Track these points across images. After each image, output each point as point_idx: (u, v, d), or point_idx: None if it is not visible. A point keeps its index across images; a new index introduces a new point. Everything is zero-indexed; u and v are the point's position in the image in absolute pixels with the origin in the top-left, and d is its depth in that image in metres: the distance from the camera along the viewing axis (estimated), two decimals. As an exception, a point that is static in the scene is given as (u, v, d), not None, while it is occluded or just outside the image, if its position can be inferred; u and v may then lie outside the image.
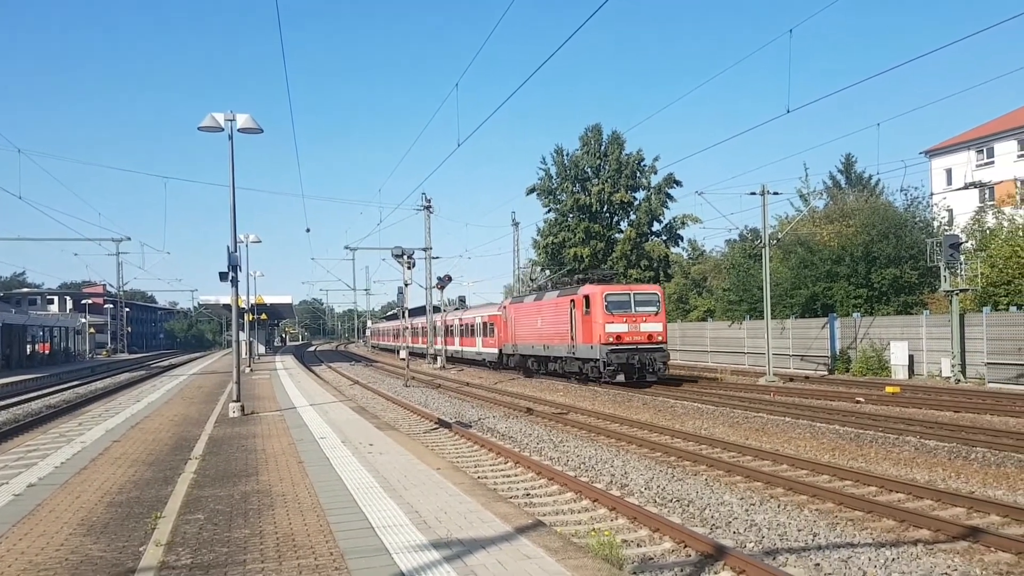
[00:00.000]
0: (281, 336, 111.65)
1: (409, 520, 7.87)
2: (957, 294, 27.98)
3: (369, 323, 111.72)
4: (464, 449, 15.81)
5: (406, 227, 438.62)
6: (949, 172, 54.32)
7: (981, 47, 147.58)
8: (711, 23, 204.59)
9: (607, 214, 54.79)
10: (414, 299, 46.69)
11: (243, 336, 37.71)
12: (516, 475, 12.88)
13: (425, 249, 48.30)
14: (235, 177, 19.22)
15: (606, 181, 53.92)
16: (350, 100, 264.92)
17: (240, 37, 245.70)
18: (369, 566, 6.32)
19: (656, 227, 55.30)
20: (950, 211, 43.18)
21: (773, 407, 21.13)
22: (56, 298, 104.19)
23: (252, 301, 43.14)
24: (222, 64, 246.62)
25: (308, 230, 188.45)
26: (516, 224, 57.84)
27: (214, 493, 9.51)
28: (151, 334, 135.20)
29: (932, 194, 49.93)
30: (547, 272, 56.15)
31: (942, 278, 28.44)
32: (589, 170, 55.27)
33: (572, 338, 30.95)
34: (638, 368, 28.08)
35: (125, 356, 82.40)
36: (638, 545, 8.52)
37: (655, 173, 54.53)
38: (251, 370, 39.52)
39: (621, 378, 28.03)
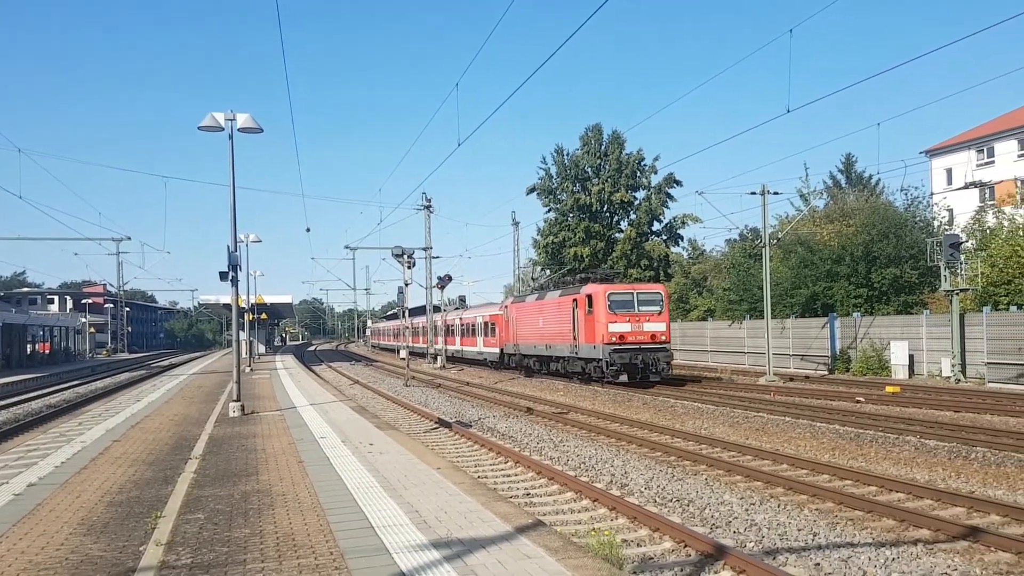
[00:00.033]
0: (281, 336, 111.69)
1: (409, 520, 7.87)
2: (957, 294, 27.98)
3: (369, 323, 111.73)
4: (464, 449, 15.81)
5: (406, 227, 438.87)
6: (949, 172, 54.32)
7: (981, 47, 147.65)
8: (711, 23, 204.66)
9: (607, 214, 54.81)
10: (414, 299, 46.70)
11: (243, 336, 37.71)
12: (516, 475, 12.88)
13: (425, 249, 48.31)
14: (235, 177, 19.25)
15: (606, 181, 53.94)
16: (350, 100, 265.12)
17: (240, 37, 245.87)
18: (369, 566, 6.32)
19: (656, 227, 55.36)
20: (950, 211, 43.19)
21: (773, 407, 21.13)
22: (56, 298, 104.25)
23: (252, 301, 43.13)
24: (222, 64, 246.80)
25: (308, 230, 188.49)
26: (516, 224, 57.88)
27: (214, 493, 9.51)
28: (151, 334, 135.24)
29: (932, 194, 49.96)
30: (547, 272, 56.17)
31: (942, 278, 28.44)
32: (589, 170, 55.29)
33: (575, 338, 30.83)
34: (641, 368, 27.90)
35: (125, 356, 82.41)
36: (638, 545, 8.52)
37: (655, 173, 54.62)
38: (251, 370, 39.52)
39: (624, 378, 27.87)
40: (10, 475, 11.12)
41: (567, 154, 55.90)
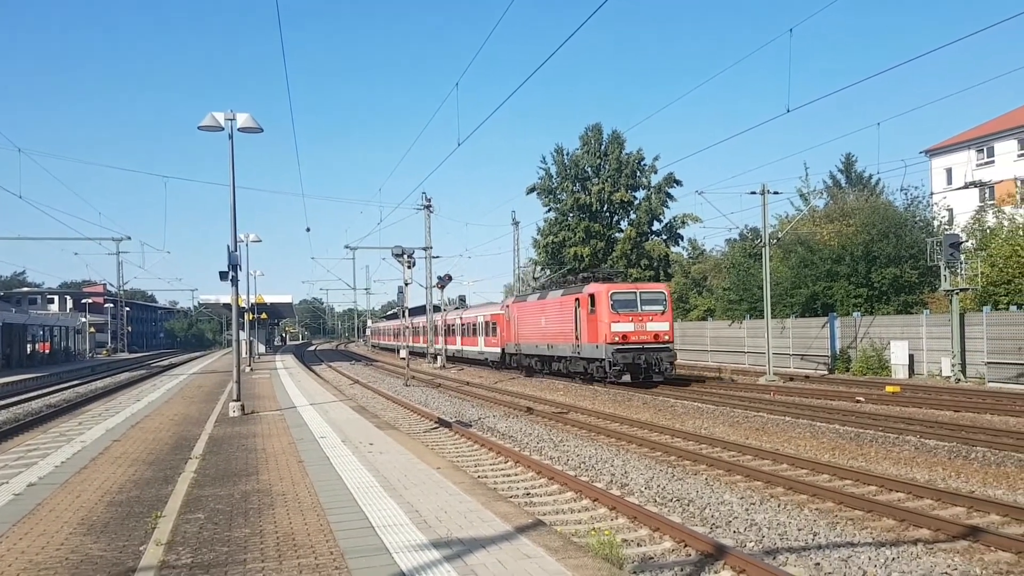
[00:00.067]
0: (281, 335, 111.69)
1: (409, 519, 7.87)
2: (957, 293, 27.98)
3: (369, 322, 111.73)
4: (464, 448, 15.81)
5: (406, 226, 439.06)
6: (949, 171, 54.31)
7: (981, 47, 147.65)
8: (711, 23, 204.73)
9: (607, 213, 54.79)
10: (414, 298, 46.77)
11: (243, 335, 37.70)
12: (516, 474, 12.88)
13: (425, 248, 48.31)
14: (235, 176, 19.25)
15: (606, 180, 53.91)
16: (350, 100, 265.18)
17: (240, 37, 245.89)
18: (369, 565, 6.32)
19: (656, 226, 55.31)
20: (950, 210, 43.20)
21: (773, 406, 21.13)
22: (56, 297, 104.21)
23: (252, 300, 43.13)
24: (222, 64, 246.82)
25: (308, 229, 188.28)
26: (516, 223, 57.91)
27: (214, 492, 9.51)
28: (151, 333, 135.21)
29: (932, 193, 49.95)
30: (547, 271, 56.14)
31: (942, 277, 28.44)
32: (589, 169, 55.26)
33: (577, 337, 30.70)
34: (644, 368, 27.71)
35: (125, 355, 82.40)
36: (638, 544, 8.52)
37: (655, 172, 54.57)
38: (251, 369, 39.52)
39: (627, 378, 27.68)
40: (10, 475, 11.12)
41: (567, 154, 55.89)
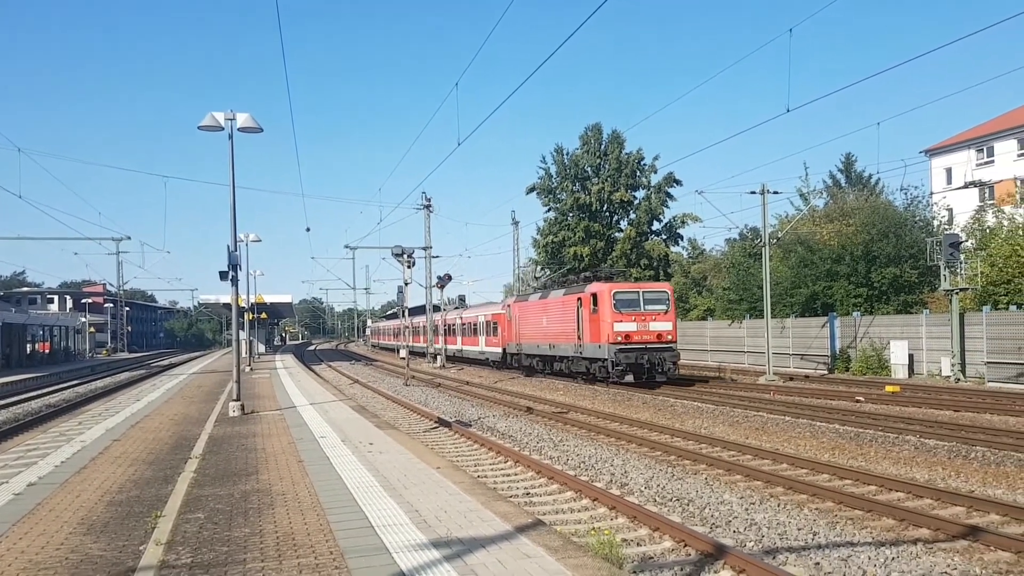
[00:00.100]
0: (281, 335, 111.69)
1: (409, 519, 7.87)
2: (957, 293, 27.99)
3: (369, 322, 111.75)
4: (464, 448, 15.81)
5: (406, 226, 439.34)
6: (949, 171, 54.31)
7: (980, 47, 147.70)
8: (711, 23, 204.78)
9: (607, 213, 54.75)
10: (414, 298, 46.73)
11: (243, 335, 37.70)
12: (516, 474, 12.88)
13: (425, 248, 48.31)
14: (235, 176, 19.25)
15: (606, 180, 53.89)
16: (350, 100, 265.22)
17: (240, 37, 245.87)
18: (369, 565, 6.32)
19: (656, 226, 55.24)
20: (950, 210, 43.21)
21: (773, 406, 21.13)
22: (56, 297, 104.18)
23: (252, 300, 43.13)
24: (222, 64, 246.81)
25: (308, 229, 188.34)
26: (516, 223, 57.90)
27: (214, 492, 9.51)
28: (151, 333, 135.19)
29: (932, 193, 49.94)
30: (547, 271, 56.11)
31: (942, 277, 28.45)
32: (589, 169, 55.23)
33: (579, 337, 30.56)
34: (647, 368, 27.54)
35: (125, 355, 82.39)
36: (638, 544, 8.52)
37: (655, 172, 54.51)
38: (251, 369, 39.52)
39: (630, 378, 27.51)
40: (10, 475, 11.12)
41: (567, 153, 55.85)
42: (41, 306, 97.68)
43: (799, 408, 20.79)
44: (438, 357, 49.76)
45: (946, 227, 38.40)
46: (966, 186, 36.89)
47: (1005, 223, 34.24)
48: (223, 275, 20.02)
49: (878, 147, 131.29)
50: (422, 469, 10.80)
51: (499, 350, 41.81)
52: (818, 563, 7.79)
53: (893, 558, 7.88)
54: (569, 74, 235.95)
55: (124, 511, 8.91)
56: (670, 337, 28.47)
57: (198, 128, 17.67)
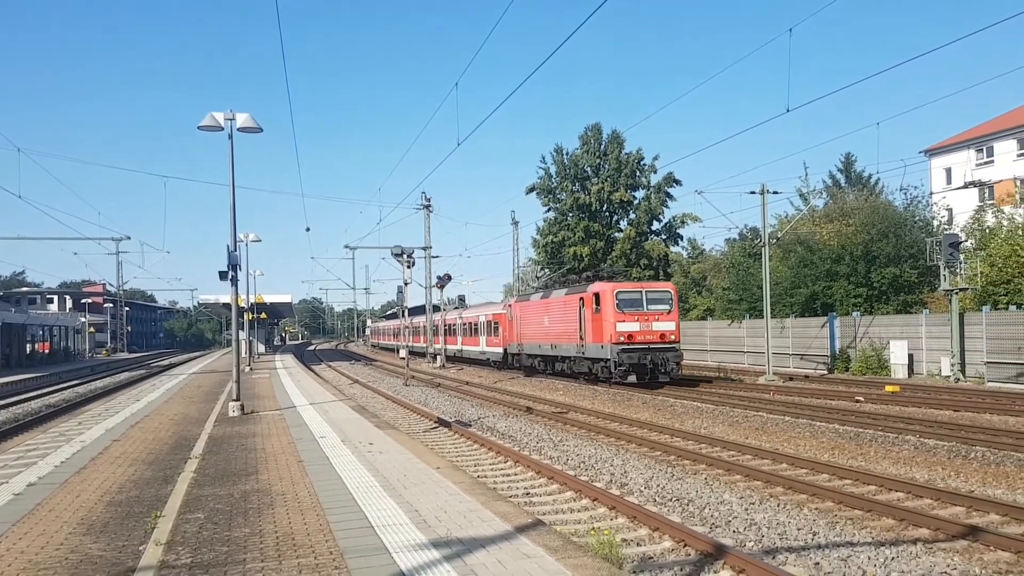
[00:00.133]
0: (281, 335, 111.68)
1: (409, 519, 7.87)
2: (957, 293, 28.00)
3: (369, 322, 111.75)
4: (464, 448, 15.81)
5: (406, 226, 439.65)
6: (949, 171, 54.32)
7: (980, 47, 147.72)
8: (710, 23, 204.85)
9: (607, 213, 54.76)
10: (414, 298, 46.73)
11: (243, 335, 37.71)
12: (516, 474, 12.88)
13: (425, 248, 48.31)
14: (235, 176, 19.24)
15: (605, 180, 53.89)
16: (350, 100, 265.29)
17: (240, 37, 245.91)
18: (369, 565, 6.32)
19: (656, 226, 55.26)
20: (950, 210, 43.22)
21: (773, 406, 21.13)
22: (56, 297, 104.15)
23: (252, 300, 43.12)
24: (222, 64, 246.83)
25: (308, 229, 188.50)
26: (516, 223, 57.85)
27: (214, 492, 9.51)
28: (151, 333, 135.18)
29: (932, 193, 49.97)
30: (547, 271, 56.11)
31: (942, 277, 28.45)
32: (589, 169, 55.23)
33: (581, 337, 30.42)
34: (650, 368, 27.42)
35: (125, 355, 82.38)
36: (638, 544, 8.52)
37: (655, 172, 54.52)
38: (251, 369, 39.52)
39: (633, 379, 27.39)
40: (10, 475, 11.12)
41: (566, 153, 55.85)
42: (41, 306, 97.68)
43: (799, 408, 20.79)
44: (438, 357, 49.75)
45: (946, 227, 38.42)
46: (966, 186, 36.91)
47: (1005, 223, 34.25)
48: (223, 275, 20.02)
49: (878, 147, 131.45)
50: (422, 469, 10.80)
51: (500, 350, 41.74)
52: (818, 563, 7.79)
53: (893, 558, 7.88)
54: (569, 74, 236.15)
55: (124, 511, 8.91)
56: (673, 337, 28.32)
57: (198, 128, 17.67)
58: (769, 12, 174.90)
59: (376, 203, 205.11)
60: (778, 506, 10.26)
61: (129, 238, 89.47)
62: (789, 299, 38.51)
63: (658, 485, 11.62)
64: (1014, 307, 27.88)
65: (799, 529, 9.05)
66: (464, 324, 50.45)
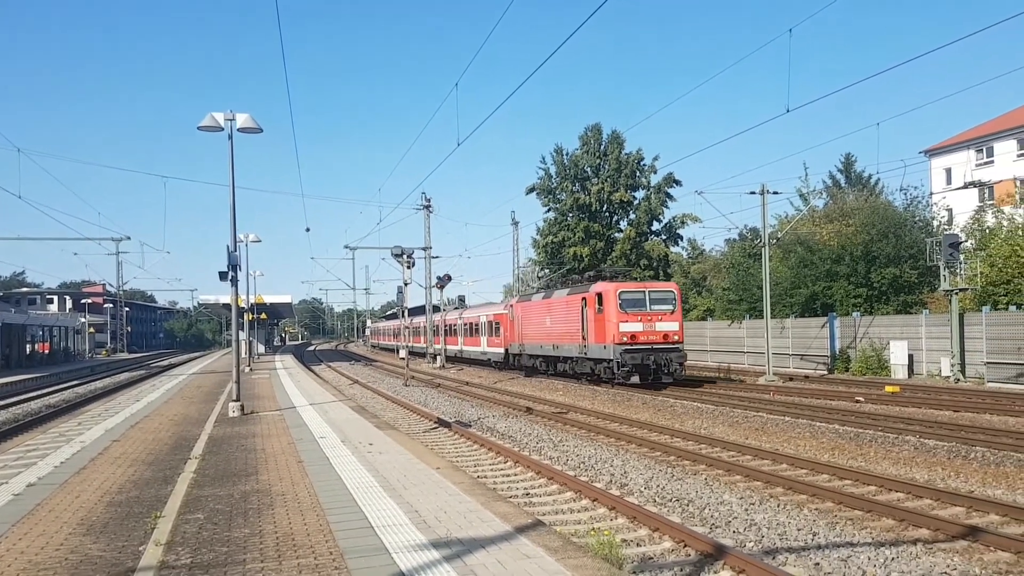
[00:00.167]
0: (281, 336, 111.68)
1: (409, 519, 7.87)
2: (957, 293, 27.99)
3: (369, 322, 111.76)
4: (464, 448, 15.81)
5: (406, 226, 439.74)
6: (949, 171, 54.33)
7: (980, 47, 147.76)
8: (710, 23, 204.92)
9: (607, 213, 54.76)
10: (414, 298, 46.76)
11: (243, 336, 37.71)
12: (516, 474, 12.88)
13: (425, 248, 48.31)
14: (235, 177, 19.24)
15: (606, 180, 53.90)
16: (350, 100, 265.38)
17: (240, 37, 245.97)
18: (369, 565, 6.32)
19: (656, 226, 55.27)
20: (949, 210, 43.22)
21: (773, 406, 21.13)
22: (56, 298, 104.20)
23: (252, 300, 43.12)
24: (222, 64, 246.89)
25: (308, 230, 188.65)
26: (516, 223, 57.87)
27: (214, 492, 9.51)
28: (151, 334, 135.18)
29: (932, 193, 49.99)
30: (547, 271, 56.11)
31: (942, 277, 28.45)
32: (589, 169, 55.23)
33: (583, 338, 30.26)
34: (653, 369, 27.26)
35: (125, 356, 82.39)
36: (638, 544, 8.52)
37: (655, 172, 54.52)
38: (251, 369, 39.52)
39: (636, 379, 27.22)
40: (10, 475, 11.12)
41: (566, 154, 55.85)
42: (41, 306, 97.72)
43: (799, 408, 20.79)
44: (438, 357, 49.75)
45: (946, 227, 38.42)
46: (966, 186, 36.93)
47: (1005, 223, 34.25)
48: (223, 275, 20.02)
49: (878, 147, 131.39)
50: (422, 469, 10.80)
51: (501, 350, 41.65)
52: (818, 563, 7.79)
53: (893, 558, 7.88)
54: (569, 74, 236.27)
55: (124, 511, 8.91)
56: (676, 337, 28.16)
57: (198, 128, 17.67)
58: (769, 12, 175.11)
59: (376, 203, 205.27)
60: (778, 506, 10.26)
61: (129, 238, 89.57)
62: (789, 299, 38.51)
63: (658, 485, 11.62)
64: (1014, 307, 27.88)
65: (799, 529, 9.04)
66: (465, 324, 50.42)
